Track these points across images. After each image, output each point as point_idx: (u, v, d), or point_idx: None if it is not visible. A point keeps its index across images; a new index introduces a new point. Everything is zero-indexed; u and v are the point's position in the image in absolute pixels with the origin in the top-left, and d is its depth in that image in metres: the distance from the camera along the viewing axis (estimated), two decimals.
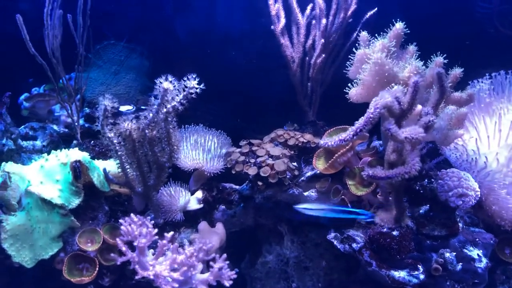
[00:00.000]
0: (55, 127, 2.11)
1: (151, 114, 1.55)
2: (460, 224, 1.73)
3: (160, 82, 1.48)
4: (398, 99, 1.42)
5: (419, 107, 1.49)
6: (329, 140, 1.43)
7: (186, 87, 1.49)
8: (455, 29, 2.17)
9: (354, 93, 1.67)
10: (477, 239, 1.73)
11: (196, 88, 1.49)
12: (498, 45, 2.20)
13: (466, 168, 1.81)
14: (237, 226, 2.00)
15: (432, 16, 2.21)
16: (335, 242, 1.75)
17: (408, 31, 1.71)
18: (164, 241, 1.52)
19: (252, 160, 1.83)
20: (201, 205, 1.92)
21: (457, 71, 1.65)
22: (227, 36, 2.33)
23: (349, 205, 1.79)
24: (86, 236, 1.68)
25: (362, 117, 1.38)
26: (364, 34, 1.72)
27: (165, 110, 1.52)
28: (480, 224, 1.82)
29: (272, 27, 2.10)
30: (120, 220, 1.51)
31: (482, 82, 1.99)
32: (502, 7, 2.18)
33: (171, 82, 1.48)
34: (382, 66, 1.55)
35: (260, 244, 2.04)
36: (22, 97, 2.18)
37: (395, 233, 1.64)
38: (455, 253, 1.67)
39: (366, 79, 1.61)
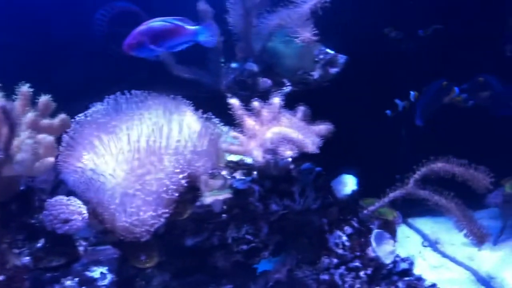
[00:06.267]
0: None
1: None
2: (82, 248, 1.75)
3: None
4: None
5: None
6: None
7: None
8: None
9: None
10: (101, 258, 1.78)
11: None
12: None
13: (84, 189, 1.84)
14: None
15: None
16: None
17: None
18: None
19: None
20: None
21: (44, 99, 1.65)
22: None
23: None
24: None
25: None
26: None
27: None
28: (108, 241, 1.89)
29: None
30: None
31: (98, 104, 2.07)
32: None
33: None
34: None
35: None
36: None
37: (0, 278, 1.54)
38: (78, 278, 1.68)
39: None
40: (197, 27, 1.92)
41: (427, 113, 2.62)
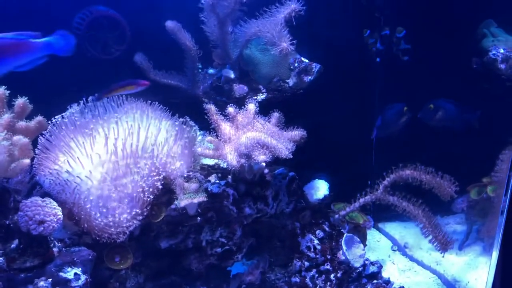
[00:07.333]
0: None
1: None
2: (56, 249, 1.76)
3: None
4: None
5: None
6: None
7: None
8: None
9: None
10: (76, 259, 1.78)
11: None
12: None
13: (60, 191, 1.85)
14: None
15: None
16: None
17: None
18: None
19: None
20: None
21: (20, 101, 1.66)
22: None
23: None
24: None
25: None
26: None
27: None
28: (83, 242, 1.90)
29: None
30: None
31: (75, 106, 2.09)
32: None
33: None
34: None
35: None
36: None
37: None
38: (51, 279, 1.68)
39: None
40: (47, 38, 1.74)
41: (384, 133, 2.71)
